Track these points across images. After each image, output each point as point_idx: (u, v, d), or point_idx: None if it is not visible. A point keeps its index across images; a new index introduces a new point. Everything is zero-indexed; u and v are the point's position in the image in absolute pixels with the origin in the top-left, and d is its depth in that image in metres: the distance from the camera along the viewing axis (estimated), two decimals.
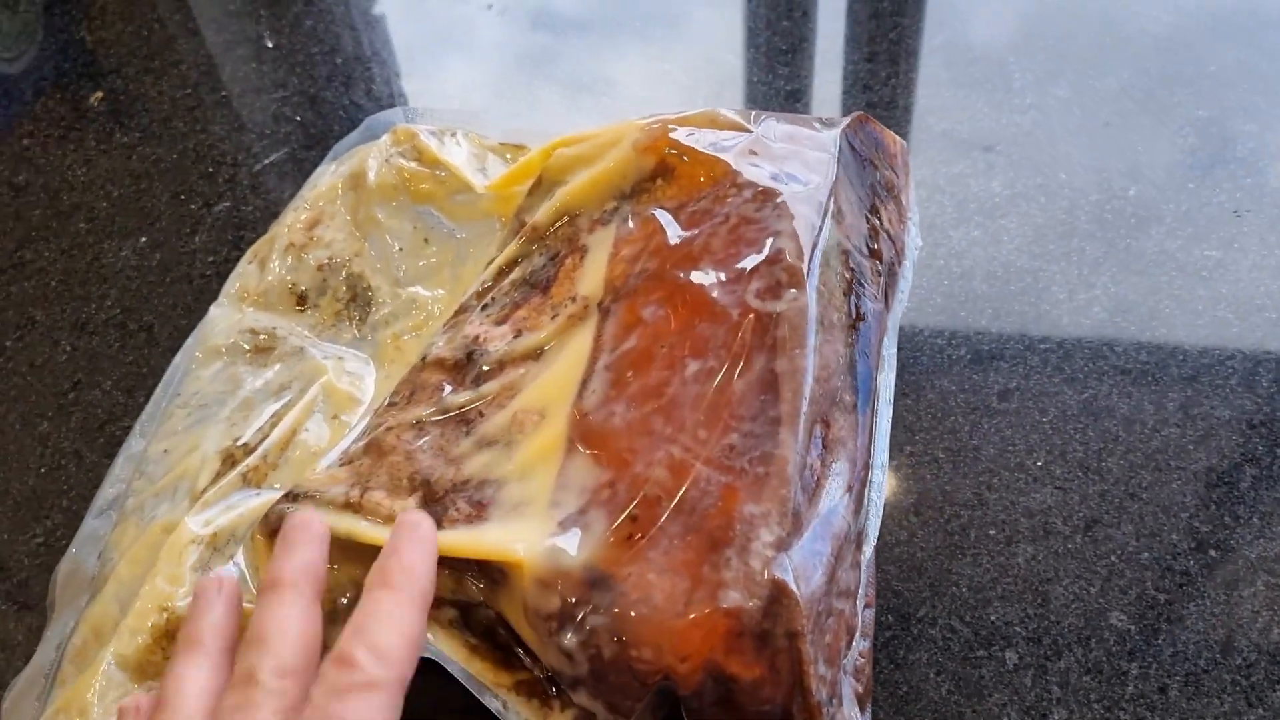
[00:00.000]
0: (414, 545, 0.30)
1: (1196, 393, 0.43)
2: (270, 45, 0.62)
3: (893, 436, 0.40)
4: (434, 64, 0.61)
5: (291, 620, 0.29)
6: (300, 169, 0.55)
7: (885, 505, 0.36)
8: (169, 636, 0.35)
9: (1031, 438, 0.42)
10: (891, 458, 0.41)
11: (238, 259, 0.51)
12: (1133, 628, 0.37)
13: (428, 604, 0.30)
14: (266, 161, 0.56)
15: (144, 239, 0.53)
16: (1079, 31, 0.58)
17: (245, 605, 0.32)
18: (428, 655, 0.32)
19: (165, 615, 0.36)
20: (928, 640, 0.37)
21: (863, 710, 0.31)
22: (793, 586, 0.27)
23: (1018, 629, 0.37)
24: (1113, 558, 0.39)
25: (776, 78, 0.57)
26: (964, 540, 0.40)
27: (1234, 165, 0.50)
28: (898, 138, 0.43)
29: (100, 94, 0.60)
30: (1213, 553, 0.39)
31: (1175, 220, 0.48)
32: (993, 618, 0.38)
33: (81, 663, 0.37)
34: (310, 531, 0.31)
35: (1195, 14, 0.58)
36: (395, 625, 0.28)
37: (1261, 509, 0.40)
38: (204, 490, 0.39)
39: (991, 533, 0.40)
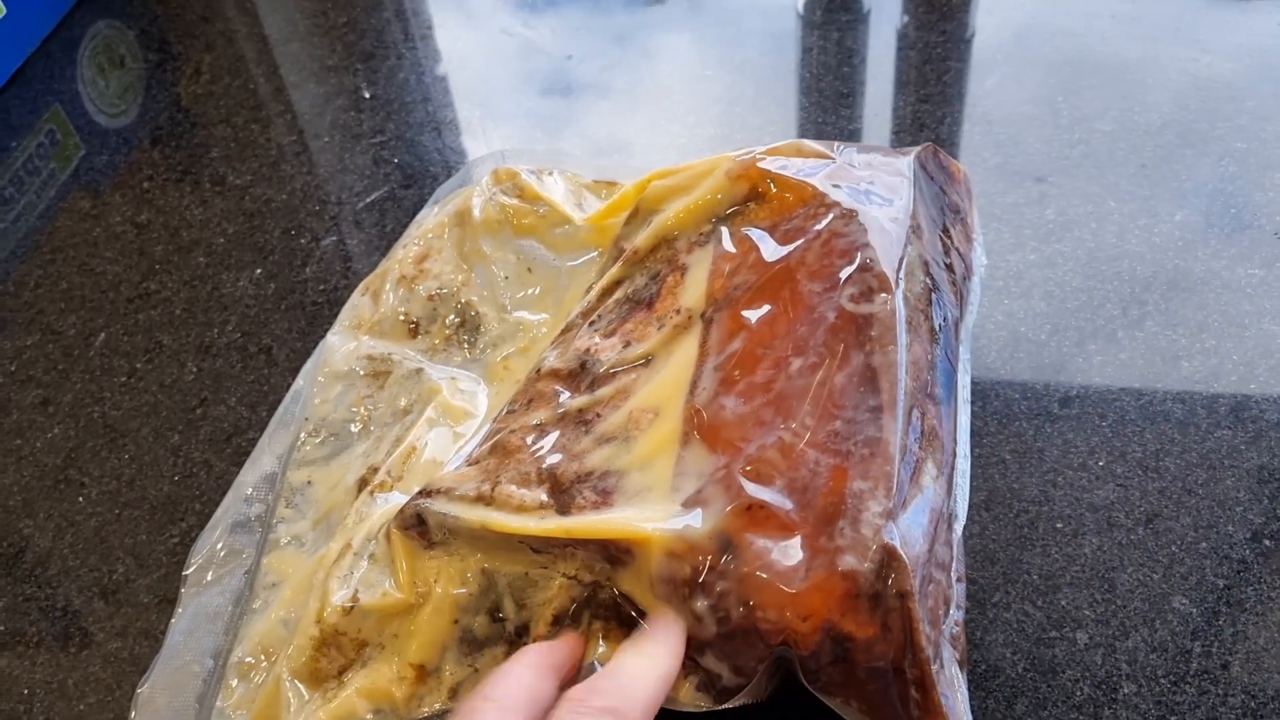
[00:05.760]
0: None
1: (1246, 398, 0.46)
2: (367, 96, 0.68)
3: None
4: (521, 110, 0.66)
5: None
6: (400, 206, 0.60)
7: None
8: (325, 644, 0.39)
9: (1092, 440, 0.45)
10: None
11: (345, 287, 0.56)
12: (1194, 610, 0.40)
13: None
14: (369, 199, 0.61)
15: (259, 270, 0.58)
16: (1122, 72, 0.62)
17: None
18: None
19: (319, 627, 0.39)
20: (1003, 623, 0.41)
21: (962, 672, 0.34)
22: (901, 550, 0.31)
23: (1087, 612, 0.41)
24: (1173, 548, 0.42)
25: (839, 119, 0.62)
26: (1033, 533, 0.43)
27: (1273, 191, 0.54)
28: (961, 166, 0.47)
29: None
30: (1267, 542, 0.42)
31: (1219, 242, 0.52)
32: (1063, 602, 0.41)
33: (247, 677, 0.40)
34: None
35: (1232, 54, 0.62)
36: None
37: None
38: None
39: (1059, 526, 0.43)
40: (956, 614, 0.35)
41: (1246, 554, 0.41)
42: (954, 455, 0.37)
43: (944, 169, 0.45)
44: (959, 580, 0.36)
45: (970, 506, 0.44)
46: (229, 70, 0.71)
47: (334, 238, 0.59)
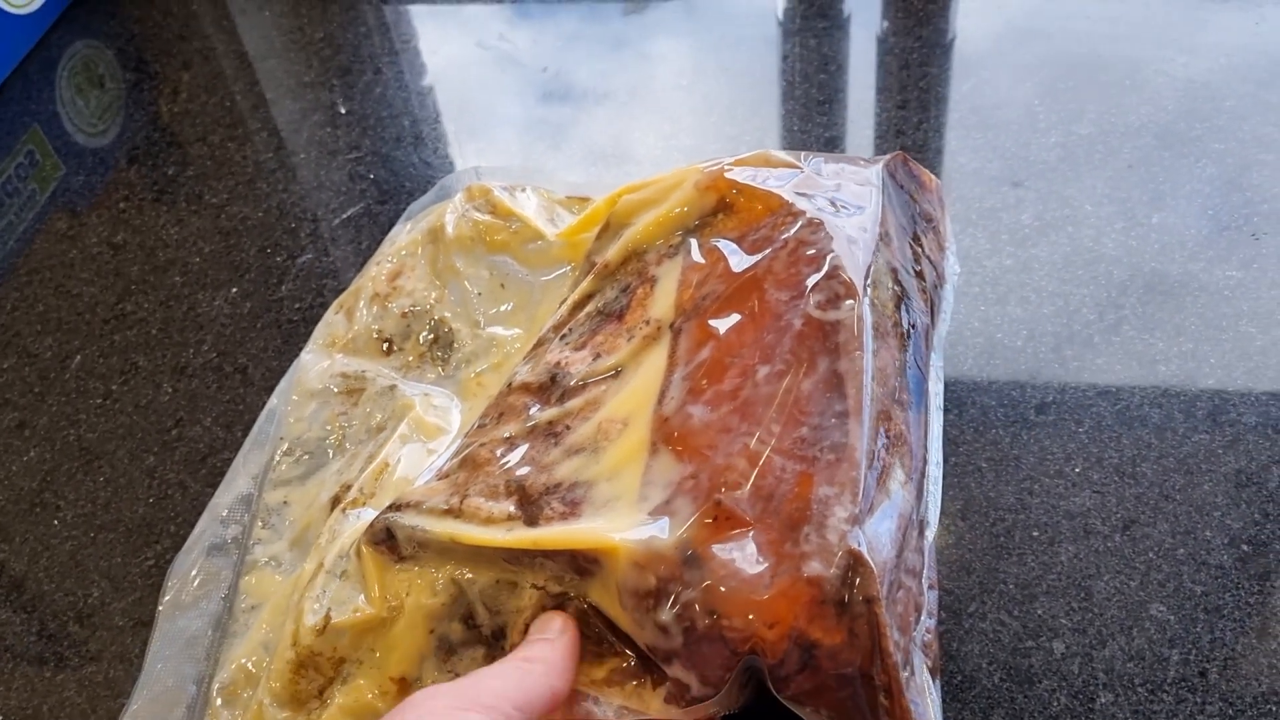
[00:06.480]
0: None
1: (1224, 401, 0.46)
2: (343, 111, 0.67)
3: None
4: (494, 125, 0.65)
5: None
6: (375, 222, 0.60)
7: None
8: (303, 666, 0.39)
9: (1069, 446, 0.45)
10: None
11: (322, 305, 0.55)
12: (1172, 618, 0.40)
13: None
14: (344, 216, 0.61)
15: (235, 289, 0.58)
16: (1099, 74, 0.62)
17: None
18: None
19: (295, 650, 0.38)
20: (979, 633, 0.40)
21: (935, 680, 0.34)
22: (867, 555, 0.30)
23: (1063, 621, 0.40)
24: (1150, 554, 0.42)
25: (815, 125, 0.62)
26: (1009, 541, 0.43)
27: (1250, 192, 0.54)
28: (933, 175, 0.47)
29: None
30: (1245, 547, 0.41)
31: (1197, 244, 0.52)
32: (1039, 611, 0.41)
33: (232, 702, 0.40)
34: None
35: (1209, 55, 0.62)
36: None
37: None
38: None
39: (1035, 534, 0.43)
40: (928, 621, 0.35)
41: (1224, 560, 0.41)
42: (924, 461, 0.37)
43: (914, 178, 0.45)
44: (931, 587, 0.36)
45: (946, 515, 0.43)
46: (206, 88, 0.71)
47: (310, 255, 0.59)
